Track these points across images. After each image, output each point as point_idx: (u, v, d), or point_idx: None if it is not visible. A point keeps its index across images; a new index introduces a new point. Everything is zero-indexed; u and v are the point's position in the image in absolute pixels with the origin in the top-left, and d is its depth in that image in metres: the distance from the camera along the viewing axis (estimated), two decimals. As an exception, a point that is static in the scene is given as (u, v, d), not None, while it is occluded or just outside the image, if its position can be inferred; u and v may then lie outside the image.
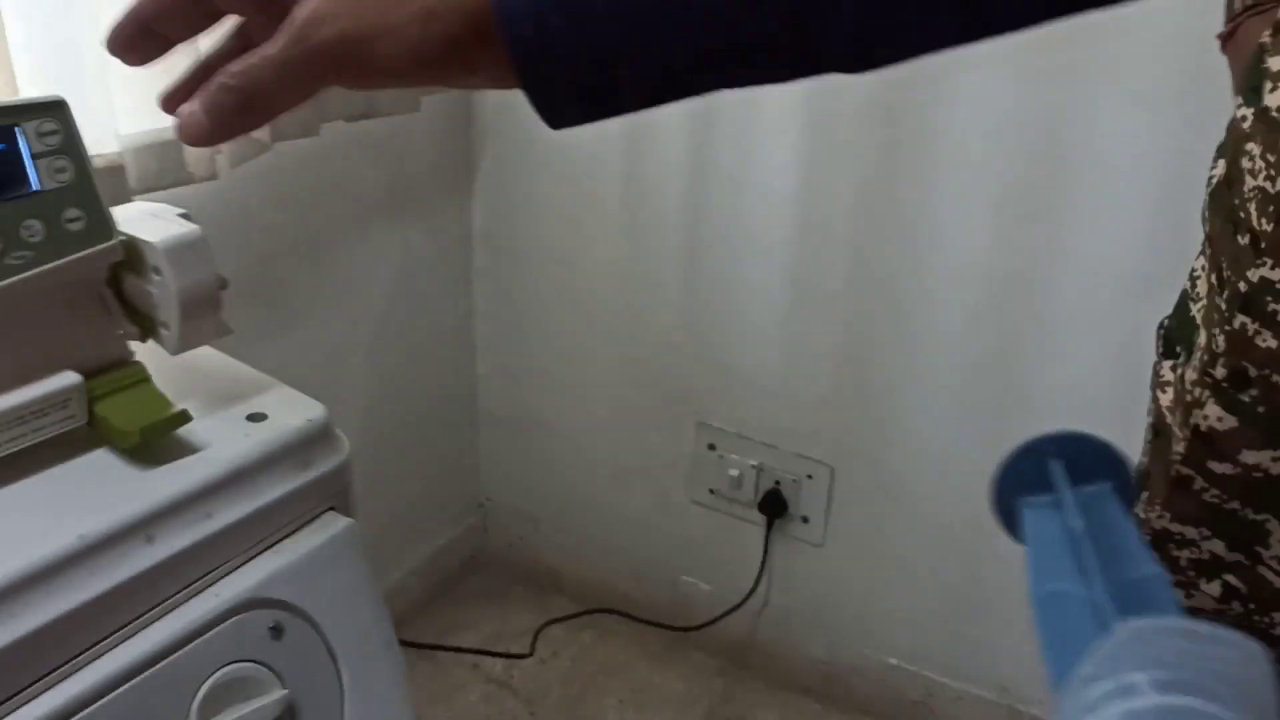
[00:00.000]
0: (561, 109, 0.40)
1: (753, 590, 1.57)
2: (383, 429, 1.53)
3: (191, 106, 0.43)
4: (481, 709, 1.54)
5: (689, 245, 1.43)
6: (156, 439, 0.56)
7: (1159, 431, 0.65)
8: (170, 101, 0.45)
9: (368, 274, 1.45)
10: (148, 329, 0.59)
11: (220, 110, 0.43)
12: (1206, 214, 0.61)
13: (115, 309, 0.59)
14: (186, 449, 0.58)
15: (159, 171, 1.09)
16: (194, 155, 1.12)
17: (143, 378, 0.59)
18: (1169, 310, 0.67)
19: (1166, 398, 0.64)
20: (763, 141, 1.32)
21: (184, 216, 0.59)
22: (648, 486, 1.63)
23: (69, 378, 0.56)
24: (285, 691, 0.56)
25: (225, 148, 1.15)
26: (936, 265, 1.27)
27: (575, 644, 1.67)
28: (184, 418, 0.57)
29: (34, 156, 0.52)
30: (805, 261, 1.36)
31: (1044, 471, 0.39)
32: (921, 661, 1.49)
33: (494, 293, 1.64)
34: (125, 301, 0.59)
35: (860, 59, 0.39)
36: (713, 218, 1.40)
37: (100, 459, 0.57)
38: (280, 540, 0.59)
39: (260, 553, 0.58)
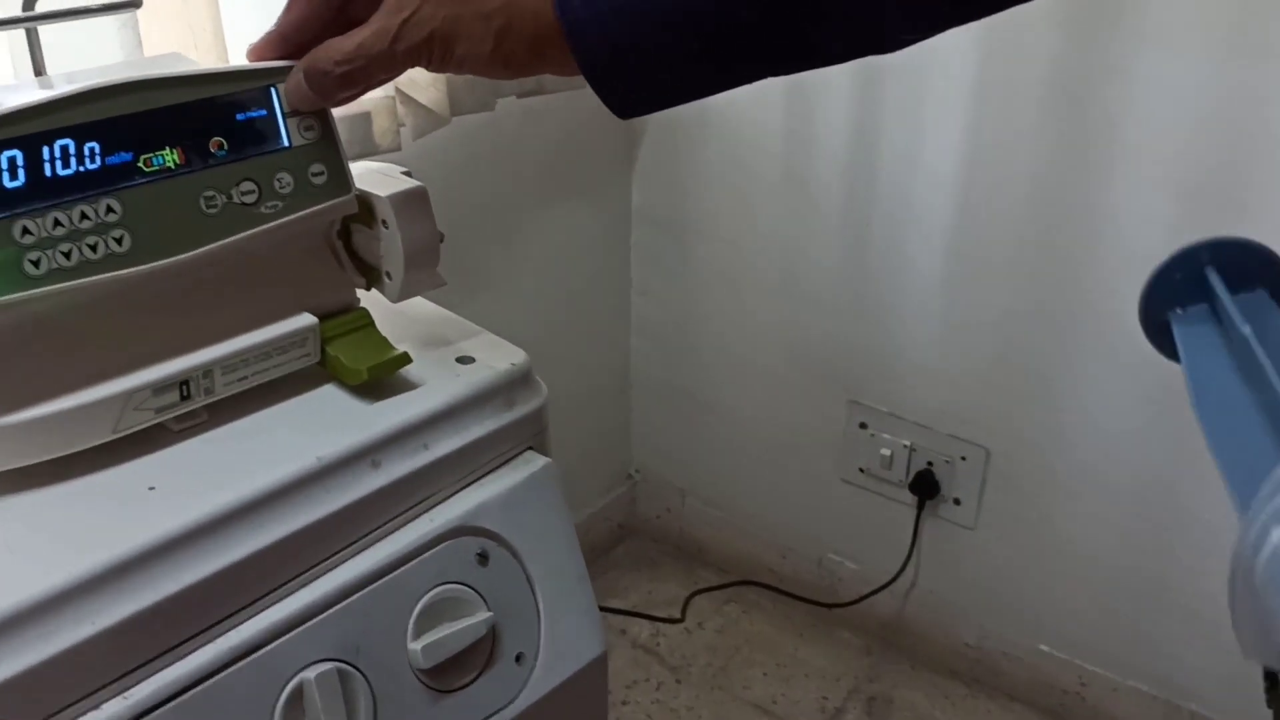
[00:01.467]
0: (627, 104, 0.52)
1: (901, 571, 1.57)
2: (542, 397, 1.58)
3: (297, 77, 0.55)
4: (629, 672, 1.58)
5: (850, 222, 1.44)
6: (381, 377, 0.61)
7: None
8: (258, 51, 0.56)
9: (534, 247, 1.50)
10: (373, 278, 0.64)
11: (324, 87, 0.54)
12: None
13: (345, 259, 0.64)
14: (406, 386, 0.62)
15: (349, 142, 1.16)
16: (380, 128, 1.18)
17: (367, 322, 0.63)
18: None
19: None
20: (931, 117, 1.32)
21: (407, 174, 0.64)
22: (797, 463, 1.64)
23: (306, 319, 0.61)
24: (490, 614, 0.60)
25: (408, 121, 1.22)
26: (1109, 252, 1.25)
27: (721, 615, 1.70)
28: (405, 359, 0.62)
29: (285, 116, 0.57)
30: (969, 241, 1.35)
31: (1197, 281, 0.37)
32: (1075, 650, 1.47)
33: (651, 267, 1.68)
34: (353, 253, 0.64)
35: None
36: (876, 195, 1.40)
37: (330, 394, 0.62)
38: (486, 474, 0.63)
39: (468, 485, 0.62)
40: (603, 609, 1.67)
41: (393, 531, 0.59)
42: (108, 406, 0.54)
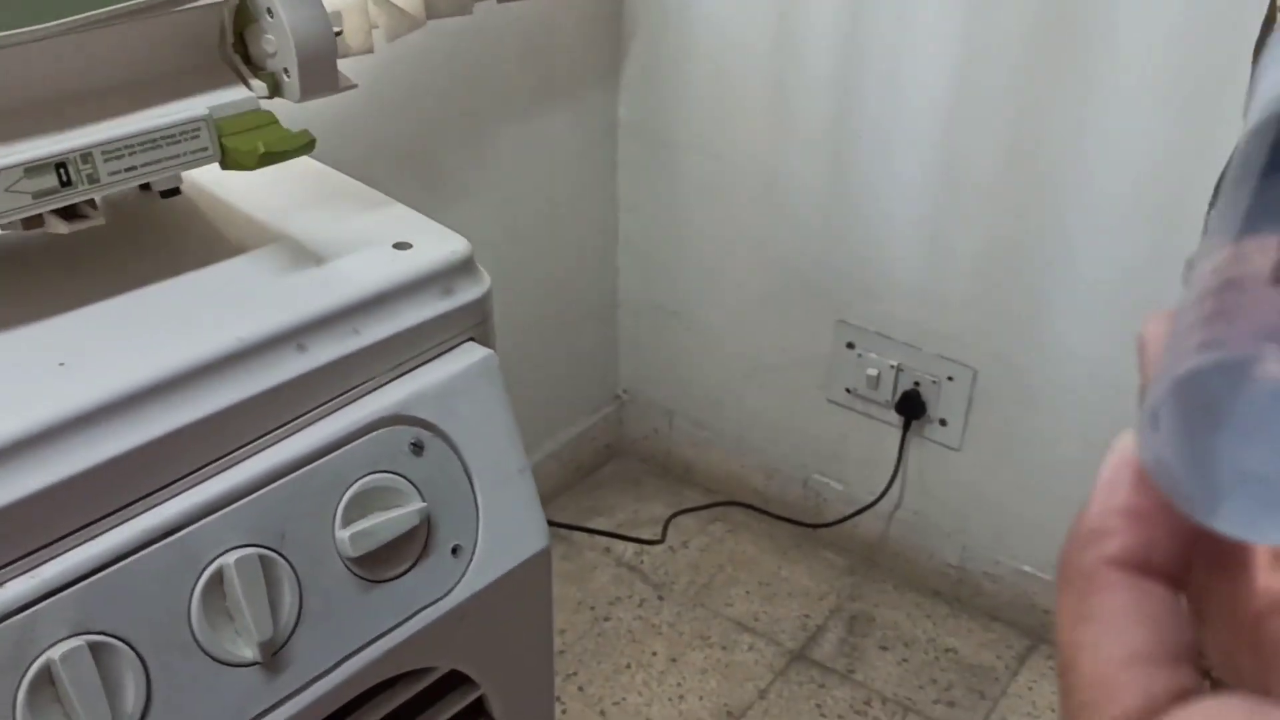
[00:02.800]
0: None
1: (885, 491, 1.56)
2: (525, 315, 1.56)
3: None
4: (612, 589, 1.58)
5: (836, 137, 1.41)
6: (278, 161, 0.58)
7: None
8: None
9: (515, 159, 1.47)
10: (273, 86, 0.61)
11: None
12: None
13: (244, 70, 0.61)
14: (336, 269, 0.60)
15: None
16: (351, 26, 1.15)
17: (271, 120, 0.60)
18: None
19: None
20: (919, 31, 1.28)
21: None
22: (783, 384, 1.63)
23: (197, 108, 0.57)
24: (424, 504, 0.59)
25: (381, 22, 1.18)
26: (1095, 165, 1.22)
27: (705, 534, 1.69)
28: (307, 144, 0.59)
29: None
30: (957, 157, 1.32)
31: None
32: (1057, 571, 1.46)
33: (638, 184, 1.65)
34: (252, 65, 0.61)
35: None
36: (862, 109, 1.37)
37: (254, 272, 0.60)
38: (423, 364, 0.62)
39: (404, 374, 0.61)
40: (586, 529, 1.67)
41: (321, 418, 0.57)
42: None
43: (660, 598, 1.58)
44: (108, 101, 0.56)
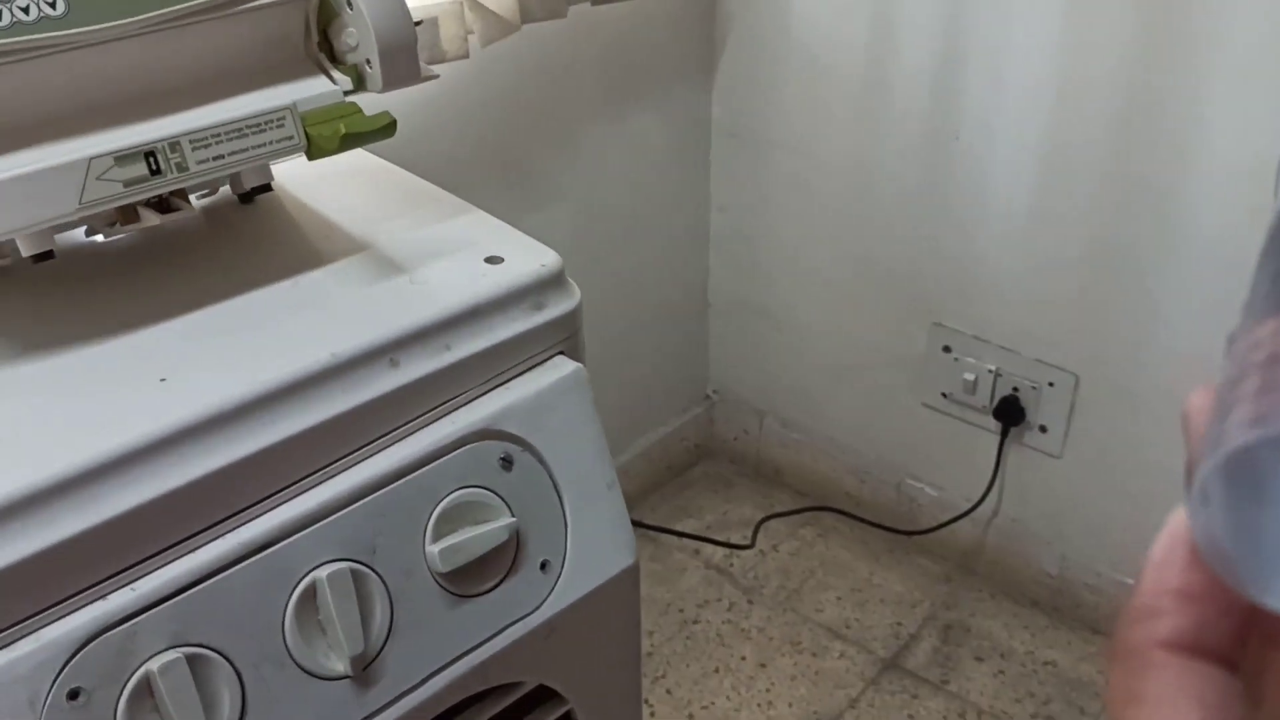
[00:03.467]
0: None
1: (983, 498, 1.53)
2: (616, 315, 1.56)
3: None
4: (701, 592, 1.58)
5: (934, 136, 1.38)
6: (359, 145, 0.59)
7: None
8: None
9: (607, 160, 1.47)
10: (357, 79, 0.61)
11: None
12: None
13: (328, 66, 0.61)
14: (427, 283, 0.61)
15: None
16: (448, 34, 1.15)
17: (355, 110, 0.60)
18: None
19: None
20: (1020, 25, 1.24)
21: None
22: (876, 387, 1.60)
23: (282, 97, 0.58)
24: (513, 519, 0.59)
25: (477, 27, 1.19)
26: (1205, 164, 1.17)
27: (796, 538, 1.67)
28: (389, 127, 0.59)
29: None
30: (1059, 154, 1.28)
31: None
32: (1162, 583, 1.41)
33: (729, 182, 1.63)
34: (336, 61, 0.62)
35: None
36: (960, 105, 1.33)
37: (347, 287, 0.61)
38: (513, 378, 0.61)
39: (494, 388, 0.61)
40: (675, 531, 1.67)
41: (413, 433, 0.57)
42: (68, 172, 0.51)
43: (749, 601, 1.57)
44: (196, 95, 0.57)
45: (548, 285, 0.63)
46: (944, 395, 1.53)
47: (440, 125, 1.22)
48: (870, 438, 1.64)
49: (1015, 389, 1.46)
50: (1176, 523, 0.25)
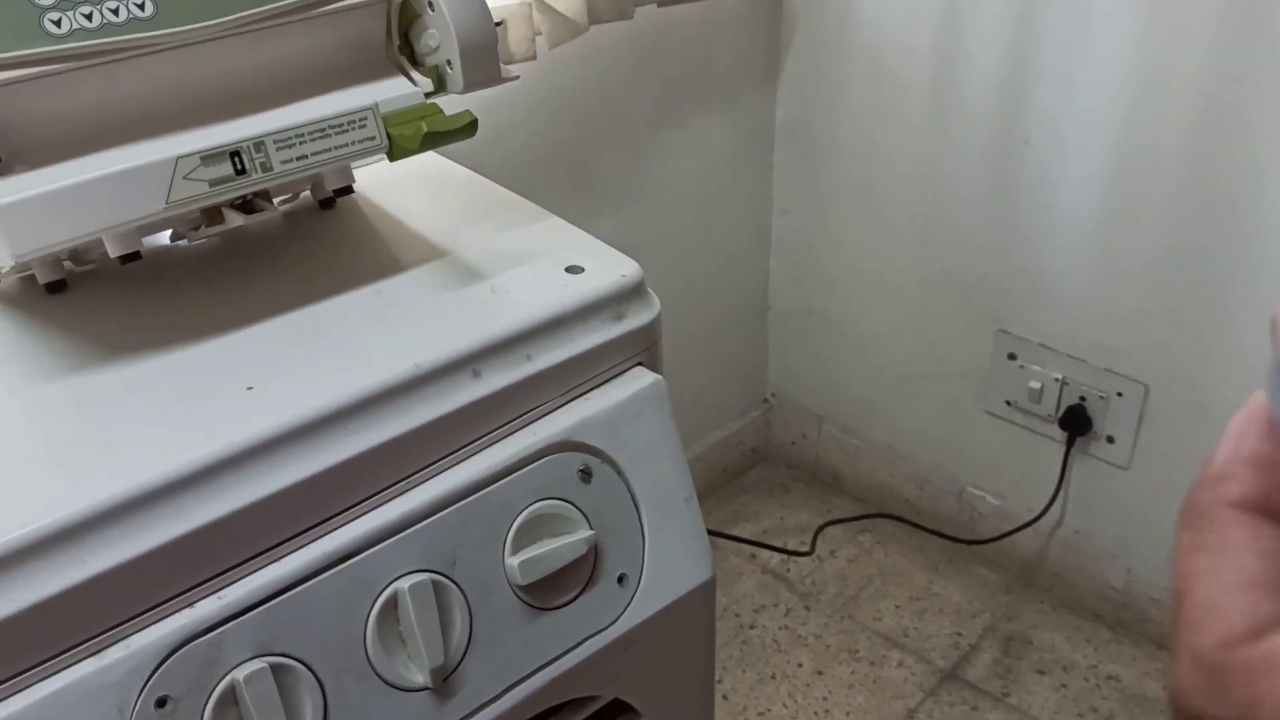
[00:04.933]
0: None
1: (1046, 509, 1.50)
2: (675, 317, 1.55)
3: None
4: (757, 597, 1.57)
5: (1002, 140, 1.35)
6: (439, 144, 0.59)
7: None
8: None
9: (670, 163, 1.46)
10: (438, 80, 0.61)
11: None
12: None
13: (409, 68, 0.61)
14: (508, 293, 0.60)
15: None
16: (516, 36, 1.15)
17: (436, 110, 0.60)
18: None
19: None
20: (1095, 27, 1.22)
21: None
22: (939, 393, 1.58)
23: (365, 98, 0.58)
24: (591, 532, 0.58)
25: (545, 29, 1.19)
26: (1287, 176, 1.14)
27: (854, 545, 1.66)
28: (470, 126, 0.59)
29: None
30: (1133, 159, 1.25)
31: None
32: (1231, 600, 1.38)
33: (792, 186, 1.62)
34: (417, 64, 0.62)
35: None
36: (1030, 110, 1.31)
37: (422, 290, 0.61)
38: (592, 389, 0.61)
39: (573, 399, 0.60)
40: (732, 536, 1.66)
41: (493, 443, 0.57)
42: (156, 171, 0.51)
43: (807, 608, 1.55)
44: (279, 96, 0.57)
45: (628, 296, 0.62)
46: (1008, 403, 1.51)
47: (508, 128, 1.22)
48: (931, 445, 1.62)
49: (1082, 398, 1.43)
50: (1254, 403, 0.27)
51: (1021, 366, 1.47)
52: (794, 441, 1.80)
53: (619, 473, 0.60)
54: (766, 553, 1.64)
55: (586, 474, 0.59)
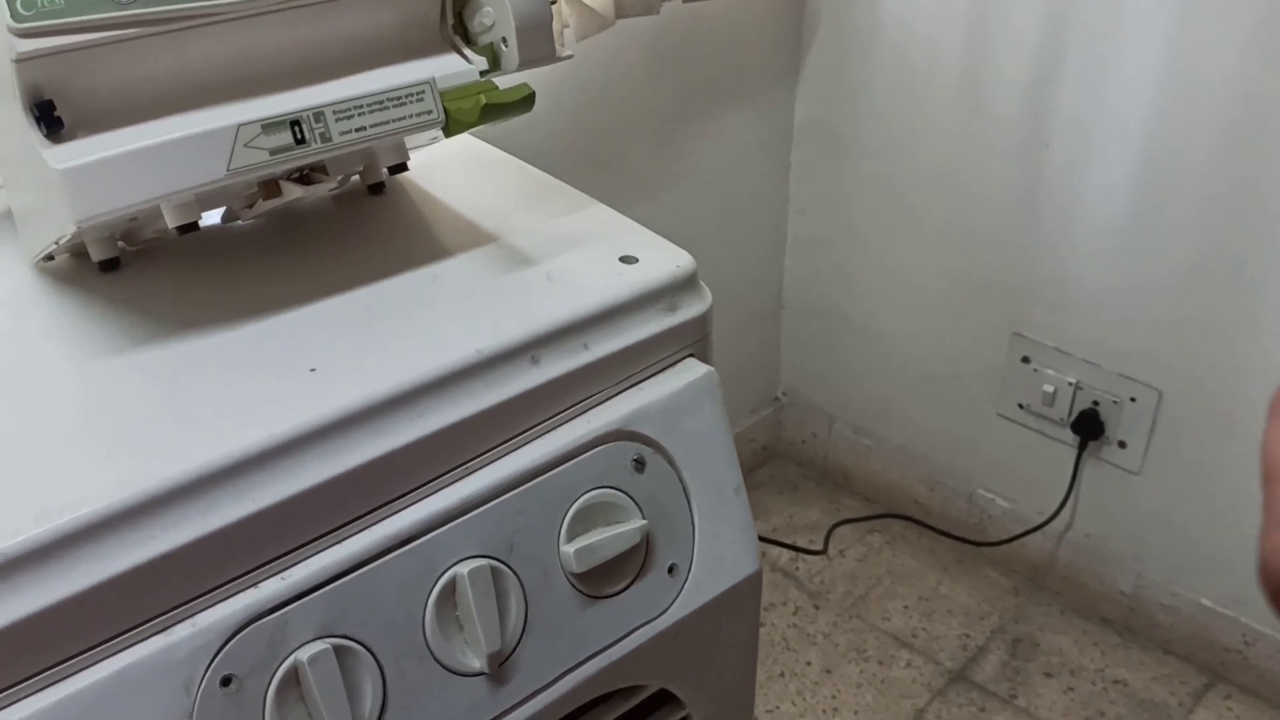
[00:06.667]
0: None
1: (1057, 512, 1.51)
2: (692, 313, 1.55)
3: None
4: (766, 595, 1.57)
5: (1025, 145, 1.36)
6: (498, 118, 0.59)
7: None
8: None
9: (692, 159, 1.46)
10: (492, 59, 0.61)
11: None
12: None
13: (463, 47, 0.62)
14: (565, 281, 0.60)
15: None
16: (545, 26, 1.15)
17: (492, 87, 0.60)
18: None
19: None
20: (1126, 30, 1.22)
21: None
22: (951, 395, 1.58)
23: (421, 72, 0.58)
24: (644, 521, 0.58)
25: (572, 22, 1.19)
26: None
27: (864, 545, 1.66)
28: (528, 99, 0.59)
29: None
30: (1161, 165, 1.26)
31: None
32: (1241, 607, 1.39)
33: (810, 185, 1.62)
34: (470, 44, 0.62)
35: None
36: (1057, 112, 1.31)
37: (476, 275, 0.61)
38: (645, 379, 0.61)
39: (627, 388, 0.60)
40: (742, 530, 1.66)
41: (549, 431, 0.57)
42: (218, 138, 0.51)
43: (816, 606, 1.56)
44: (336, 70, 0.57)
45: (682, 287, 0.62)
46: (1021, 406, 1.51)
47: (533, 119, 1.21)
48: (943, 446, 1.63)
49: (1095, 403, 1.44)
50: None
51: (1035, 370, 1.48)
52: (804, 440, 1.80)
53: (671, 463, 0.60)
54: (776, 550, 1.64)
55: (640, 464, 0.59)
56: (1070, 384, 1.45)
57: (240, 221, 0.64)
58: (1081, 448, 1.46)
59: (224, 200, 0.63)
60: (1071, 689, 1.44)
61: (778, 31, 1.51)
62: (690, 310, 0.62)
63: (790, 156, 1.62)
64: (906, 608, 1.56)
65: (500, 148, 0.78)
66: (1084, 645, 1.49)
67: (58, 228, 0.51)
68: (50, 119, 0.50)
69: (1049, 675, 1.46)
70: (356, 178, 0.69)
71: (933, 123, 1.44)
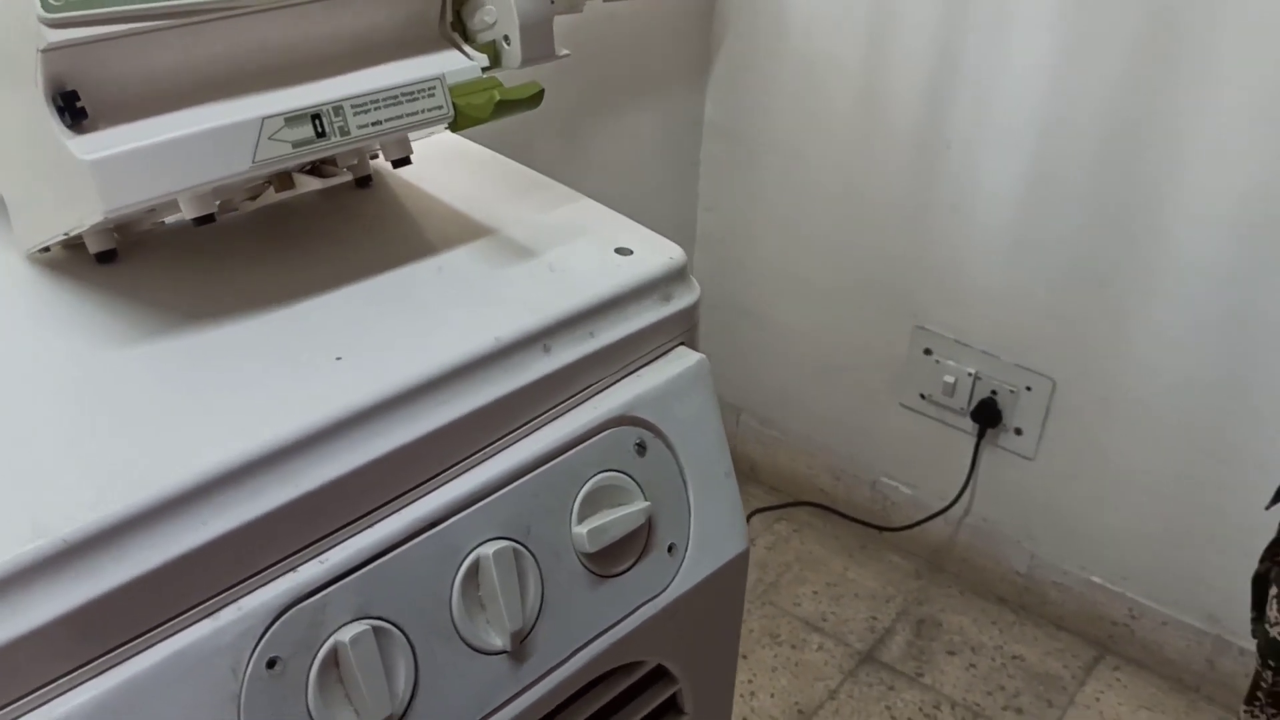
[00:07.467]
0: None
1: (957, 498, 1.59)
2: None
3: None
4: (682, 584, 1.60)
5: (922, 143, 1.43)
6: (510, 113, 0.60)
7: None
8: None
9: (602, 155, 1.48)
10: (493, 56, 0.63)
11: None
12: None
13: (462, 44, 0.63)
14: (568, 272, 0.62)
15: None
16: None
17: (497, 84, 0.62)
18: None
19: None
20: (1014, 41, 1.30)
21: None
22: (855, 386, 1.65)
23: (432, 69, 0.60)
24: (648, 503, 0.61)
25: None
26: (1192, 179, 1.24)
27: (772, 534, 1.71)
28: (538, 95, 0.61)
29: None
30: (1048, 166, 1.34)
31: None
32: (1127, 583, 1.49)
33: (718, 183, 1.66)
34: (469, 41, 0.64)
35: None
36: (951, 116, 1.39)
37: (480, 266, 0.62)
38: (643, 367, 0.63)
39: (627, 375, 0.63)
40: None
41: (558, 417, 0.59)
42: (244, 130, 0.52)
43: (730, 594, 1.60)
44: (343, 66, 0.58)
45: (674, 278, 0.65)
46: (922, 396, 1.59)
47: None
48: (847, 437, 1.69)
49: (994, 392, 1.52)
50: None
51: (937, 361, 1.55)
52: (711, 433, 1.84)
53: (669, 446, 0.63)
54: (689, 541, 1.67)
55: (641, 447, 0.61)
56: (970, 374, 1.53)
57: (234, 213, 0.64)
58: (980, 435, 1.54)
59: (235, 192, 0.63)
60: (973, 665, 1.51)
61: (687, 32, 1.54)
62: (682, 300, 0.65)
63: (699, 155, 1.66)
64: (816, 593, 1.61)
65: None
66: (983, 624, 1.58)
67: (77, 218, 0.51)
68: (74, 110, 0.49)
69: (952, 653, 1.53)
70: (346, 171, 0.69)
71: (833, 122, 1.50)
